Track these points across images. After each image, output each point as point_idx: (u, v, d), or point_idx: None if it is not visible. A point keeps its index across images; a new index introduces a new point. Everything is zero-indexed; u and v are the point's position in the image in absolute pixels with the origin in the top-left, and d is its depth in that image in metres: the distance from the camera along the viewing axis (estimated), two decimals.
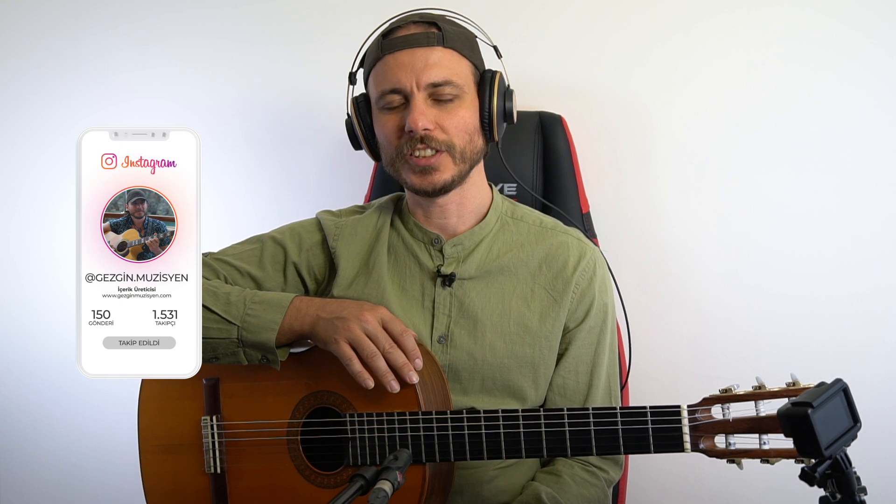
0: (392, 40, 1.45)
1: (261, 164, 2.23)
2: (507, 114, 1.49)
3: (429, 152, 1.43)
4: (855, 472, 0.98)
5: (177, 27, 2.24)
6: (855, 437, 0.98)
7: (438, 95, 1.43)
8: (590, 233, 1.89)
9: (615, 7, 1.98)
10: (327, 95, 2.06)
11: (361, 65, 1.54)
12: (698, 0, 1.93)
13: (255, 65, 2.20)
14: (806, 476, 0.97)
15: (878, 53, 1.84)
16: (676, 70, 1.95)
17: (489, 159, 1.59)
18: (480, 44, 1.54)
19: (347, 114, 1.56)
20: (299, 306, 1.39)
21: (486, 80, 1.48)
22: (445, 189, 1.46)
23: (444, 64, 1.43)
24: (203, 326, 1.38)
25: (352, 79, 1.57)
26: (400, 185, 1.64)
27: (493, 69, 1.50)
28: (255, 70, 2.20)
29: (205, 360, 1.41)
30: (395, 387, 1.32)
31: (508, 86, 1.51)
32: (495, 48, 1.55)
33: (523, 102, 1.95)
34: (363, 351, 1.32)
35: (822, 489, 0.98)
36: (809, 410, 0.92)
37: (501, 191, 1.83)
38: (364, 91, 1.54)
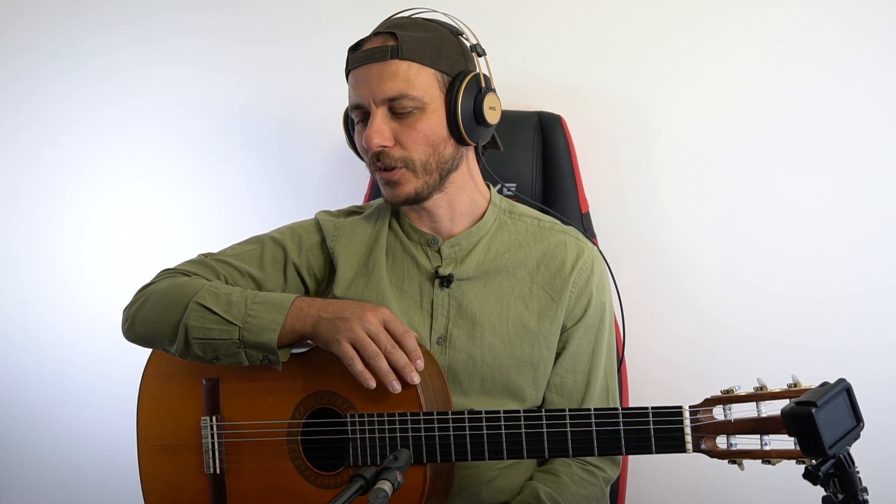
0: (354, 56, 1.45)
1: (261, 164, 2.23)
2: (477, 116, 1.45)
3: (389, 168, 1.43)
4: (857, 472, 0.98)
5: (177, 27, 2.24)
6: (858, 436, 0.99)
7: (396, 109, 1.41)
8: (589, 233, 1.89)
9: (615, 7, 1.98)
10: (327, 95, 2.06)
11: None
12: (698, 0, 1.93)
13: (254, 65, 2.21)
14: (809, 475, 0.97)
15: (878, 54, 1.84)
16: (676, 70, 1.95)
17: (488, 159, 1.58)
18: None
19: None
20: (301, 307, 1.39)
21: (454, 85, 1.44)
22: (411, 201, 1.46)
23: (399, 77, 1.40)
24: (204, 327, 1.39)
25: None
26: None
27: (468, 71, 1.45)
28: (255, 70, 2.21)
29: (206, 360, 1.41)
30: (397, 387, 1.32)
31: (484, 87, 1.46)
32: (474, 47, 1.49)
33: (523, 102, 1.96)
34: (365, 351, 1.32)
35: (824, 489, 0.98)
36: (813, 409, 0.92)
37: (500, 191, 1.83)
38: None
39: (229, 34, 2.21)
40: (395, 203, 1.47)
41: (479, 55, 1.49)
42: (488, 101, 1.45)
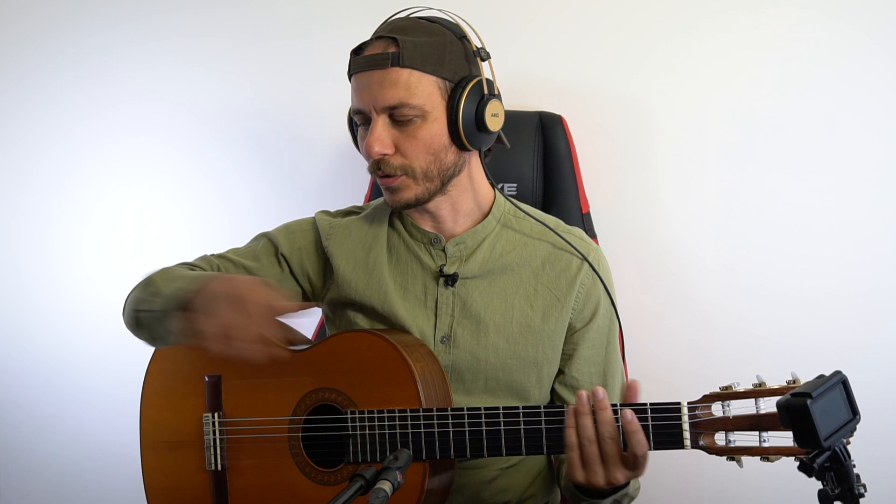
0: (355, 60, 1.42)
1: (262, 164, 2.23)
2: (479, 124, 1.42)
3: (388, 175, 1.42)
4: (854, 467, 0.97)
5: (177, 27, 2.24)
6: (854, 429, 0.98)
7: (397, 117, 1.39)
8: (590, 233, 1.89)
9: (615, 7, 1.98)
10: (328, 95, 2.06)
11: None
12: (699, 1, 1.93)
13: (255, 64, 2.21)
14: (804, 467, 0.96)
15: (877, 53, 1.84)
16: (676, 70, 1.95)
17: (491, 160, 1.56)
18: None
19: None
20: (211, 283, 1.34)
21: (456, 92, 1.40)
22: (412, 206, 1.45)
23: (399, 85, 1.36)
24: (146, 299, 1.44)
25: None
26: None
27: (470, 77, 1.42)
28: (255, 70, 2.21)
29: (146, 339, 1.48)
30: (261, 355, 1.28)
31: (487, 93, 1.43)
32: (477, 51, 1.45)
33: (523, 102, 1.96)
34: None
35: (820, 482, 0.98)
36: (808, 401, 0.92)
37: (502, 190, 1.83)
38: None
39: (230, 34, 2.21)
40: (395, 208, 1.47)
41: (483, 59, 1.45)
42: (490, 107, 1.42)
